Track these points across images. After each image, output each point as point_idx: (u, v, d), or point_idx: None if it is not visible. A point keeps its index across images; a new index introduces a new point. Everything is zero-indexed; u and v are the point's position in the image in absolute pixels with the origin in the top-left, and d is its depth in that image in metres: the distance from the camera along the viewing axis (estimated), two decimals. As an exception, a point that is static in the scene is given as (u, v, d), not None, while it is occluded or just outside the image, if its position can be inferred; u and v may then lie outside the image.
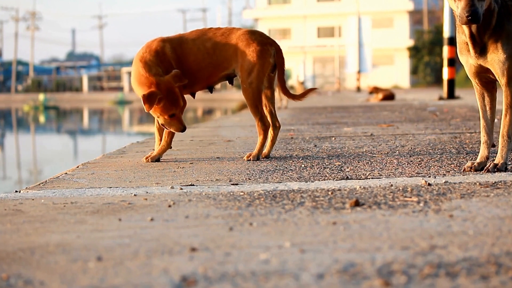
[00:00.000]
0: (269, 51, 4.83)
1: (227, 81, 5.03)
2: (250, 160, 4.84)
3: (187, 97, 5.09)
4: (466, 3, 3.60)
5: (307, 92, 5.14)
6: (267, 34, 5.25)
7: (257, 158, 4.86)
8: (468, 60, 3.88)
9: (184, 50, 4.87)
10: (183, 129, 4.79)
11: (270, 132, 4.96)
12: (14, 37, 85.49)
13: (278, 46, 4.93)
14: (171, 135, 4.98)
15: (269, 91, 4.97)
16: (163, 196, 3.39)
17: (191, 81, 4.91)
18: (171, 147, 5.08)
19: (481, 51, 3.80)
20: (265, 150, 4.97)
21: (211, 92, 5.21)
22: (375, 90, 19.87)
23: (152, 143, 6.53)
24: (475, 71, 3.90)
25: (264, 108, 4.97)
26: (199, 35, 4.91)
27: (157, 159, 4.98)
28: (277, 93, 14.78)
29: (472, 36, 3.79)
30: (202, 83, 4.94)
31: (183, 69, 4.85)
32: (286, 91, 4.99)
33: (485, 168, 3.91)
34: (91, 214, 2.98)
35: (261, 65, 4.80)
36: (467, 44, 3.85)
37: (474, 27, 3.76)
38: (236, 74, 4.89)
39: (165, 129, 4.92)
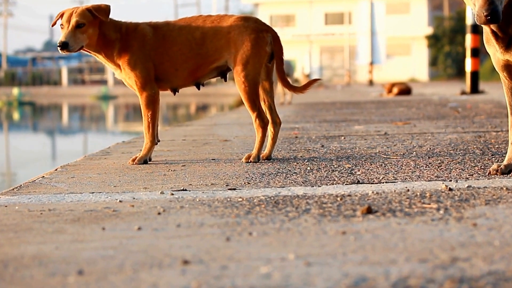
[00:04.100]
0: (265, 38, 4.83)
1: (220, 77, 5.00)
2: (250, 162, 4.84)
3: (164, 93, 5.12)
4: (485, 1, 3.59)
5: (309, 83, 5.10)
6: (269, 21, 5.28)
7: (258, 158, 4.87)
8: (496, 53, 3.87)
9: (167, 38, 4.88)
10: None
11: (270, 130, 4.96)
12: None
13: (275, 33, 4.92)
14: (151, 130, 4.95)
15: (267, 83, 4.96)
16: (151, 203, 3.40)
17: (174, 74, 4.90)
18: (157, 143, 5.04)
19: (508, 46, 3.79)
20: (266, 151, 4.97)
21: (198, 89, 5.19)
22: (393, 87, 19.66)
23: (140, 143, 6.53)
24: (503, 64, 3.90)
25: (263, 103, 4.97)
26: (187, 23, 4.91)
27: (144, 161, 4.96)
28: (280, 87, 14.78)
29: (493, 32, 3.79)
30: (187, 77, 4.92)
31: (163, 59, 4.86)
32: (286, 83, 4.97)
33: (513, 171, 3.91)
34: (71, 222, 2.98)
35: (257, 54, 4.79)
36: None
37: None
38: (229, 66, 4.88)
39: (143, 124, 4.96)
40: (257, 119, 4.88)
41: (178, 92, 5.10)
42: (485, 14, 3.58)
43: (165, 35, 4.90)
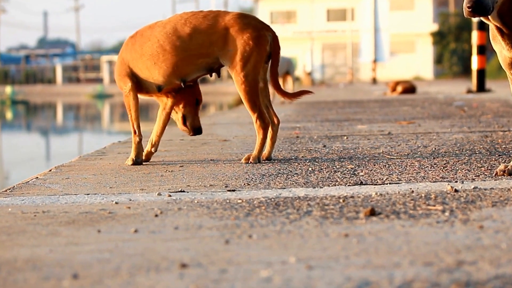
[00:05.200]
0: (266, 37, 4.82)
1: (215, 74, 4.96)
2: (249, 162, 4.84)
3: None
4: None
5: (300, 93, 5.15)
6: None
7: (258, 160, 4.87)
8: (502, 50, 3.87)
9: (143, 35, 4.89)
10: None
11: (269, 130, 4.95)
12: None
13: (274, 32, 4.92)
14: (134, 126, 4.97)
15: (262, 83, 4.95)
16: (148, 204, 3.40)
17: (152, 69, 4.84)
18: (155, 151, 5.08)
19: None
20: (266, 151, 4.97)
21: (183, 86, 5.05)
22: (397, 85, 19.63)
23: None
24: (510, 62, 3.90)
25: None
26: (172, 18, 4.90)
27: (136, 161, 4.94)
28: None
29: (499, 29, 3.78)
30: (171, 73, 4.84)
31: (137, 55, 4.87)
32: (277, 85, 4.95)
33: (520, 171, 3.91)
34: (65, 225, 2.98)
35: (259, 53, 4.78)
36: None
37: (494, 15, 3.73)
38: (223, 64, 4.84)
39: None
40: (258, 120, 4.86)
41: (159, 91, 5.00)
42: (467, 5, 3.58)
43: (143, 33, 4.92)
